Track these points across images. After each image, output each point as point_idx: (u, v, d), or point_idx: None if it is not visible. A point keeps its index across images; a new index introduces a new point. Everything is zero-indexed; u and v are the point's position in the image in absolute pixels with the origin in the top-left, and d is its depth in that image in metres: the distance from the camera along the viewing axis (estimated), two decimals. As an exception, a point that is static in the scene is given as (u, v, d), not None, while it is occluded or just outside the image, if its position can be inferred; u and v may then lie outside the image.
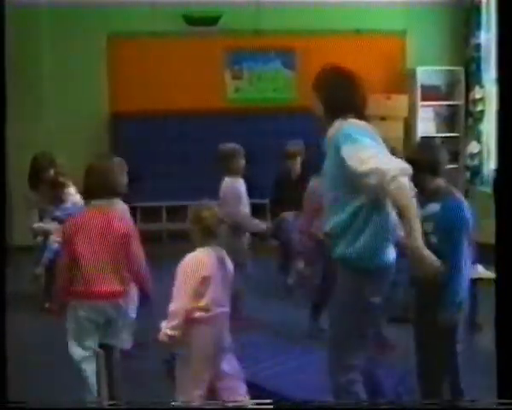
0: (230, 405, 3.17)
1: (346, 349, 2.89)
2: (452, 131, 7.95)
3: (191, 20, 7.62)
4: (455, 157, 7.77)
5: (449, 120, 8.01)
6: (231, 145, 5.02)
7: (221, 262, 3.22)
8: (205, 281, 3.11)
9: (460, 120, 7.89)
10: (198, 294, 3.11)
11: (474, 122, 7.62)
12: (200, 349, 3.13)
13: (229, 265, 3.29)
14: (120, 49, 7.61)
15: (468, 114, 7.74)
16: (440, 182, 3.17)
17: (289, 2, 7.51)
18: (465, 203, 3.14)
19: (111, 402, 3.45)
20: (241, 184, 4.96)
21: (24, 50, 6.98)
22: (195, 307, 3.11)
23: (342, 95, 2.96)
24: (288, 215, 6.00)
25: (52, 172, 5.71)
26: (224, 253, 3.29)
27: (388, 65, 7.87)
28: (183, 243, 3.36)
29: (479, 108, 7.54)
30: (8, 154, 2.63)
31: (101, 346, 3.55)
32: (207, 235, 3.21)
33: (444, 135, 7.90)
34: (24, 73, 6.94)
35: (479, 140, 7.55)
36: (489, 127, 7.44)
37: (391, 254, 2.90)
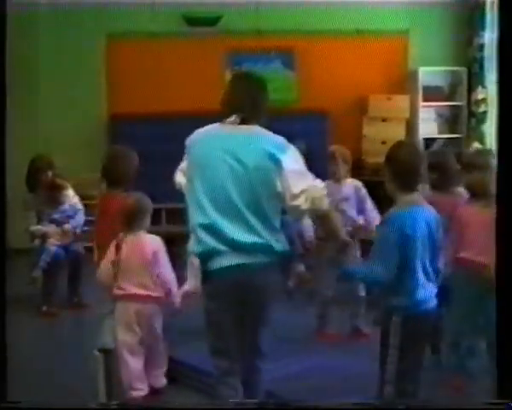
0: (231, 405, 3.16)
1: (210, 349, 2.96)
2: (455, 132, 7.91)
3: (191, 21, 7.60)
4: (457, 158, 7.71)
5: (451, 120, 7.97)
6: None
7: (138, 248, 3.65)
8: (114, 264, 3.64)
9: (462, 120, 7.85)
10: (112, 274, 3.65)
11: (477, 123, 7.58)
12: (118, 321, 3.66)
13: (148, 250, 3.67)
14: (120, 49, 7.58)
15: (471, 114, 7.70)
16: (391, 189, 2.85)
17: (289, 2, 7.47)
18: (407, 220, 2.76)
19: (108, 403, 3.45)
20: None
21: (22, 51, 6.94)
22: (113, 285, 3.66)
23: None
24: (288, 217, 5.93)
25: (50, 174, 5.66)
26: (146, 240, 3.70)
27: (390, 65, 7.82)
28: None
29: (481, 108, 7.50)
30: (6, 155, 2.60)
31: (100, 350, 3.57)
32: (127, 222, 3.66)
33: (446, 136, 7.87)
34: (22, 73, 6.91)
35: (481, 141, 7.50)
36: (491, 128, 7.39)
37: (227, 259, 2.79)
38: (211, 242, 2.78)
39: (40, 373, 4.15)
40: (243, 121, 2.88)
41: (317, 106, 7.55)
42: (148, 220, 3.78)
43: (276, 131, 3.12)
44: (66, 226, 5.65)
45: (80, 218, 5.79)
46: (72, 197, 5.75)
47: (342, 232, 3.11)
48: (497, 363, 2.30)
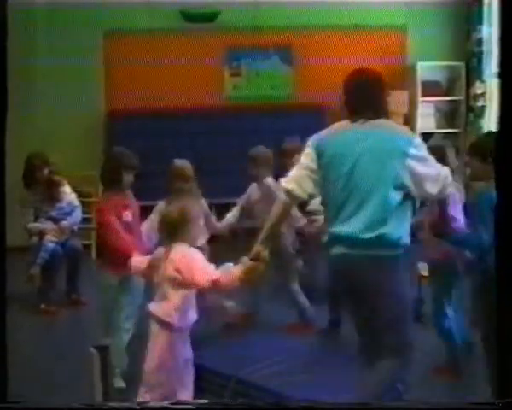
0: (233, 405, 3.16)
1: None
2: (453, 127, 7.91)
3: (189, 17, 7.58)
4: (456, 153, 7.72)
5: (449, 115, 7.98)
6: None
7: None
8: None
9: (461, 115, 7.86)
10: None
11: (475, 117, 7.58)
12: None
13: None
14: (117, 46, 7.56)
15: (469, 109, 7.70)
16: None
17: (287, -3, 7.47)
18: None
19: (105, 402, 3.44)
20: None
21: (20, 48, 6.89)
22: None
23: None
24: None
25: (47, 171, 5.62)
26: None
27: (388, 60, 7.80)
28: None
29: (479, 103, 7.50)
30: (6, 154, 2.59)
31: (96, 347, 3.55)
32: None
33: (444, 130, 7.87)
34: (19, 70, 6.87)
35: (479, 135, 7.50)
36: (490, 122, 7.39)
37: None
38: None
39: (39, 372, 4.13)
40: (370, 118, 3.03)
41: (315, 101, 7.54)
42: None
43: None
44: (64, 224, 5.64)
45: (77, 215, 5.78)
46: (69, 194, 5.73)
47: None
48: (497, 363, 2.29)
